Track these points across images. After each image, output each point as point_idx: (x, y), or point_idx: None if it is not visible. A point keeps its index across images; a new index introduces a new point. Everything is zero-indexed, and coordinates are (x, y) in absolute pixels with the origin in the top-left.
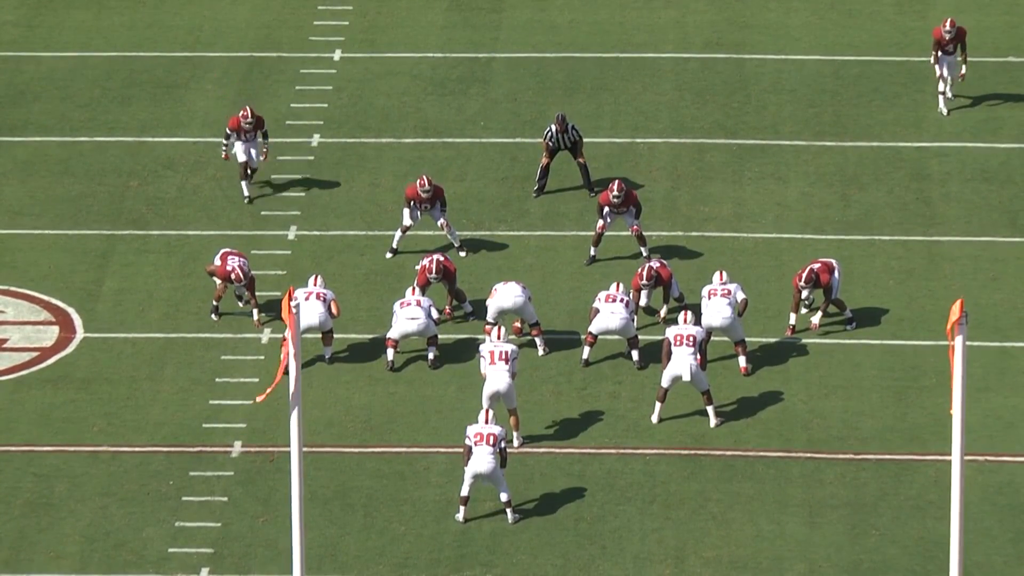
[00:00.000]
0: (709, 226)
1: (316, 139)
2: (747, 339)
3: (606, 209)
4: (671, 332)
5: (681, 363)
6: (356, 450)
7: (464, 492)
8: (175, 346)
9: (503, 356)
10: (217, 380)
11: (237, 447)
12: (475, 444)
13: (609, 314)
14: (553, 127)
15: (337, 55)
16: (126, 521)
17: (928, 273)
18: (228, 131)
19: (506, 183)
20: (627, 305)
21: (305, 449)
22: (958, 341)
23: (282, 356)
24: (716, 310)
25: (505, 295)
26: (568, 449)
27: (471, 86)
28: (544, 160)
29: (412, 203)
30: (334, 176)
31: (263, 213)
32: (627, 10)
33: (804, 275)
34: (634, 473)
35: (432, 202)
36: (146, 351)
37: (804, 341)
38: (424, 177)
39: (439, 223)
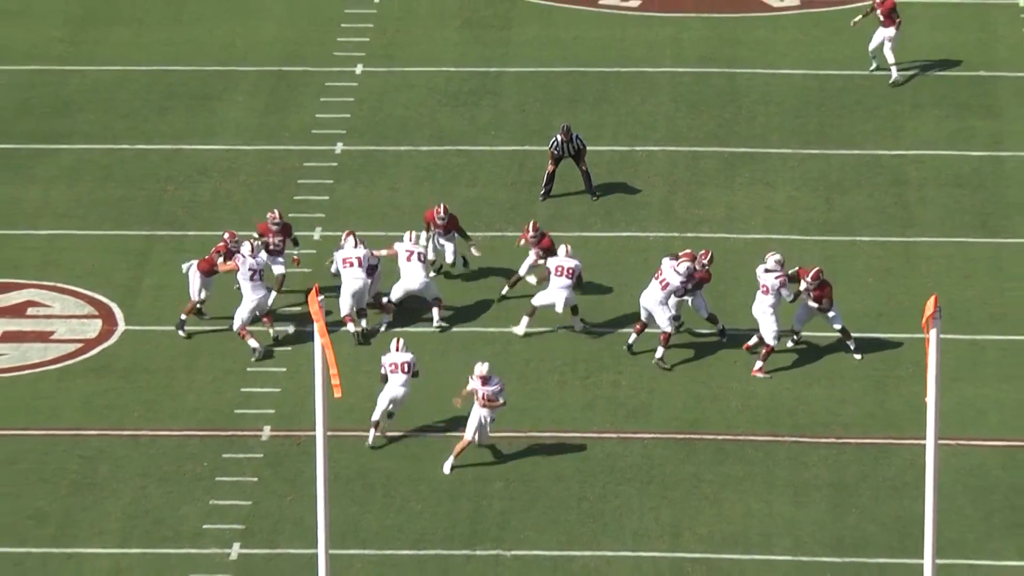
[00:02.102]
0: (703, 228)
1: (339, 147)
2: (735, 330)
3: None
4: (552, 263)
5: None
6: (376, 434)
7: (375, 417)
8: (209, 338)
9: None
10: (248, 369)
11: (266, 431)
12: (391, 372)
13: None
14: (558, 137)
15: (359, 69)
16: (164, 500)
17: (905, 271)
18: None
19: (515, 188)
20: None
21: (329, 433)
22: (933, 334)
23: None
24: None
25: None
26: (572, 433)
27: (482, 98)
28: (550, 167)
29: (429, 226)
30: (356, 181)
31: (291, 215)
32: (627, 27)
33: (812, 274)
34: (633, 456)
35: (447, 229)
36: (182, 342)
37: (790, 334)
38: (442, 205)
39: (449, 260)
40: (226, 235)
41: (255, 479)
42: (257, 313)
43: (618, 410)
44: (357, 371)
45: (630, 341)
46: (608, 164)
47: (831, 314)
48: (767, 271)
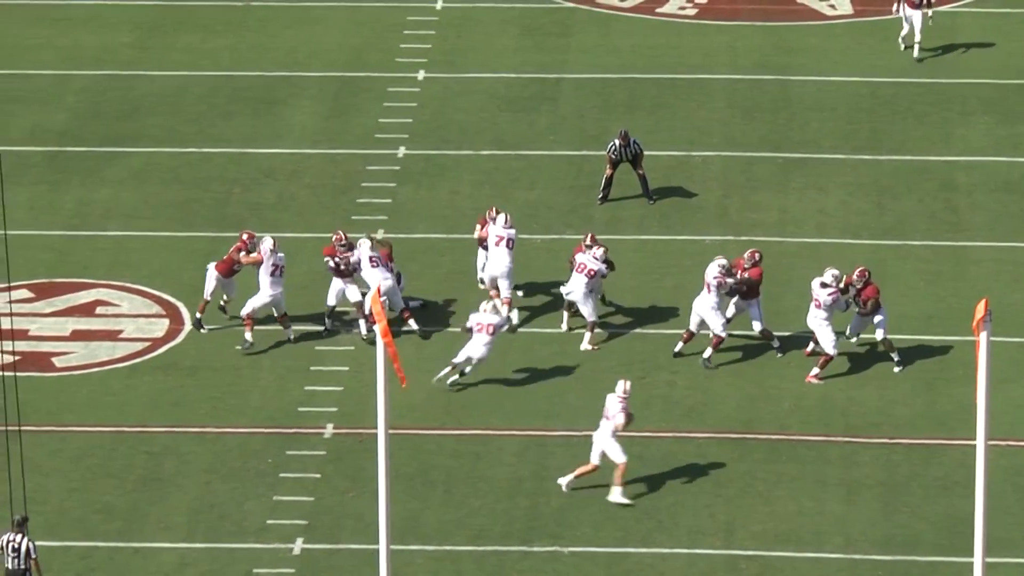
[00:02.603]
0: (757, 231)
1: (402, 151)
2: (790, 334)
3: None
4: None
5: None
6: (436, 432)
7: (455, 360)
8: (273, 337)
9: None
10: (311, 368)
11: (329, 429)
12: (476, 331)
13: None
14: (616, 141)
15: (421, 75)
16: (228, 495)
17: (955, 275)
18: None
19: (572, 192)
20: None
21: (390, 431)
22: (983, 336)
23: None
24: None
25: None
26: (628, 433)
27: (541, 103)
28: (608, 171)
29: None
30: (418, 184)
31: (353, 217)
32: (683, 35)
33: (858, 272)
34: (688, 454)
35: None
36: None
37: (842, 336)
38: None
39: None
40: (244, 235)
41: (318, 475)
42: (273, 311)
43: (673, 409)
44: (419, 369)
45: (677, 349)
46: (664, 169)
47: (877, 318)
48: (823, 285)
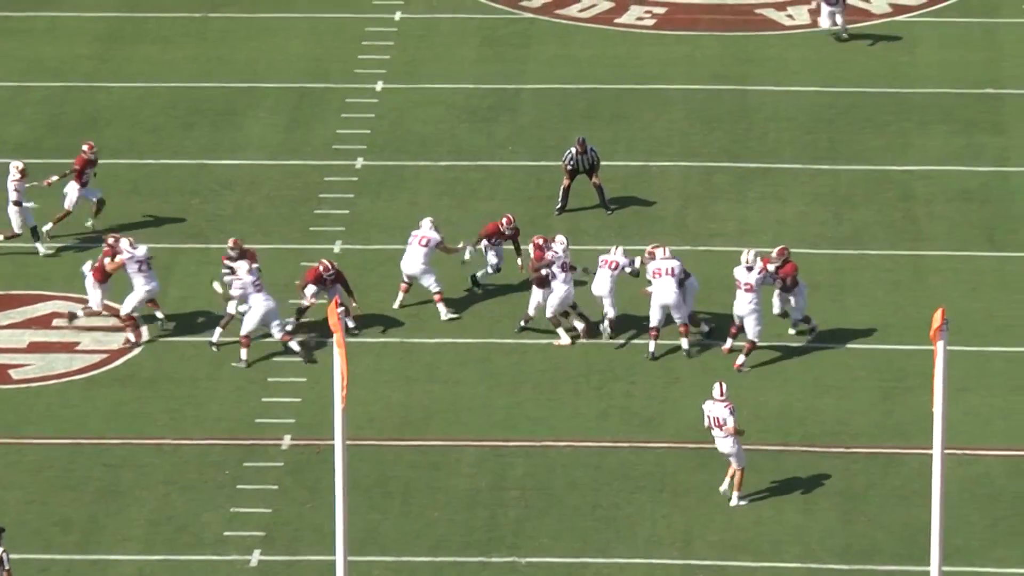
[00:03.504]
0: (715, 241)
1: (360, 162)
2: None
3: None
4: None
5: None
6: (395, 443)
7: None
8: (232, 349)
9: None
10: (269, 379)
11: (287, 440)
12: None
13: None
14: (573, 149)
15: (379, 86)
16: (187, 507)
17: (913, 284)
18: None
19: (532, 202)
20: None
21: (348, 442)
22: (940, 345)
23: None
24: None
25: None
26: (586, 443)
27: (501, 114)
28: (565, 182)
29: (490, 238)
30: (376, 195)
31: (311, 229)
32: (642, 45)
33: (778, 251)
34: (646, 464)
35: (508, 239)
36: (206, 353)
37: (800, 345)
38: (510, 216)
39: (494, 263)
40: (110, 239)
41: (276, 487)
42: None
43: (632, 420)
44: (376, 382)
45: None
46: (623, 179)
47: (792, 298)
48: (749, 268)
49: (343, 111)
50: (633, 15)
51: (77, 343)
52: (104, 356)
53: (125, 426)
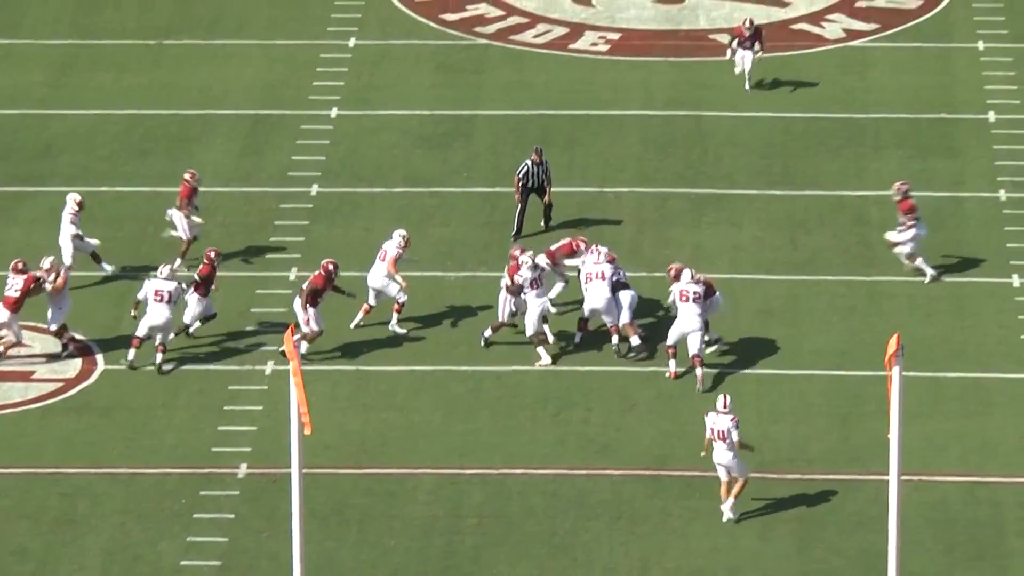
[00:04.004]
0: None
1: (315, 188)
2: (708, 370)
3: None
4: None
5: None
6: (351, 471)
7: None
8: (187, 377)
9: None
10: (225, 408)
11: (243, 469)
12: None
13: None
14: (529, 162)
15: (334, 112)
16: (143, 536)
17: (868, 310)
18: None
19: (487, 228)
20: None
21: (304, 470)
22: (895, 371)
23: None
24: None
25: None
26: (543, 470)
27: (455, 140)
28: (519, 204)
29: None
30: (331, 222)
31: (267, 256)
32: (596, 71)
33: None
34: (603, 491)
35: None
36: (161, 382)
37: (756, 372)
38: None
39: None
40: (47, 262)
41: (232, 516)
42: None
43: (588, 446)
44: (332, 409)
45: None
46: (578, 205)
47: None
48: (691, 281)
49: (298, 138)
50: (587, 41)
51: (32, 372)
52: (59, 385)
53: (81, 455)
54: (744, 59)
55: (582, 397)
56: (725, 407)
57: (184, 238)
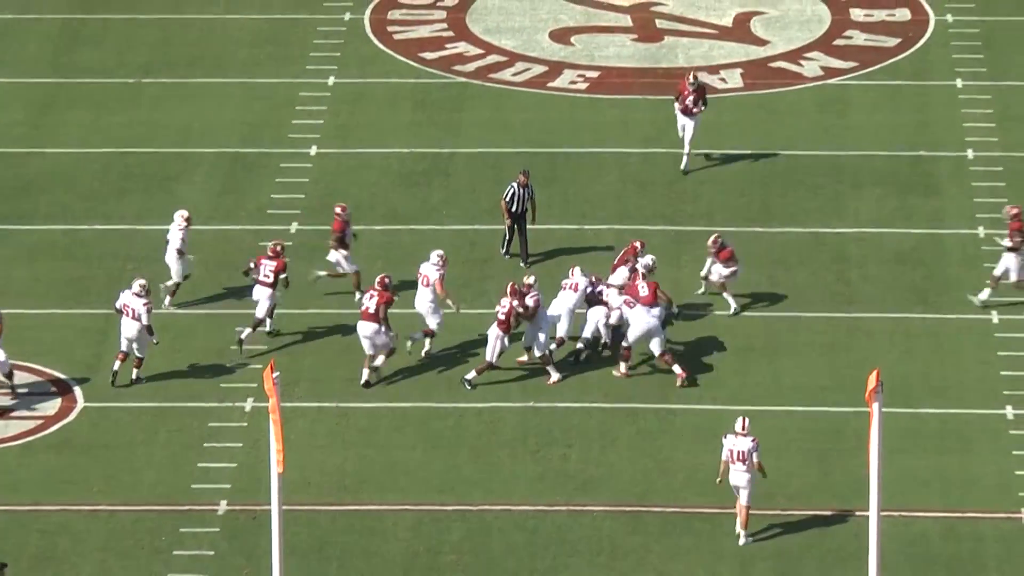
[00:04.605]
0: None
1: (295, 226)
2: (685, 407)
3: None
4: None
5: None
6: (330, 507)
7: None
8: (167, 414)
9: None
10: (205, 445)
11: (223, 505)
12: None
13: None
14: (515, 184)
15: (313, 150)
16: (122, 573)
17: (848, 346)
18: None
19: (466, 266)
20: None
21: (284, 507)
22: (875, 407)
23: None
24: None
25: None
26: (523, 507)
27: (434, 178)
28: (508, 222)
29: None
30: (311, 260)
31: (246, 297)
32: (575, 109)
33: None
34: (583, 528)
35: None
36: (141, 419)
37: (736, 408)
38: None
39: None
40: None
41: (212, 553)
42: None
43: (567, 483)
44: (312, 446)
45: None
46: (557, 242)
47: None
48: (645, 269)
49: (277, 176)
50: (566, 79)
51: (12, 409)
52: (39, 422)
53: (60, 492)
54: (687, 126)
55: (562, 434)
56: (744, 429)
57: (348, 271)
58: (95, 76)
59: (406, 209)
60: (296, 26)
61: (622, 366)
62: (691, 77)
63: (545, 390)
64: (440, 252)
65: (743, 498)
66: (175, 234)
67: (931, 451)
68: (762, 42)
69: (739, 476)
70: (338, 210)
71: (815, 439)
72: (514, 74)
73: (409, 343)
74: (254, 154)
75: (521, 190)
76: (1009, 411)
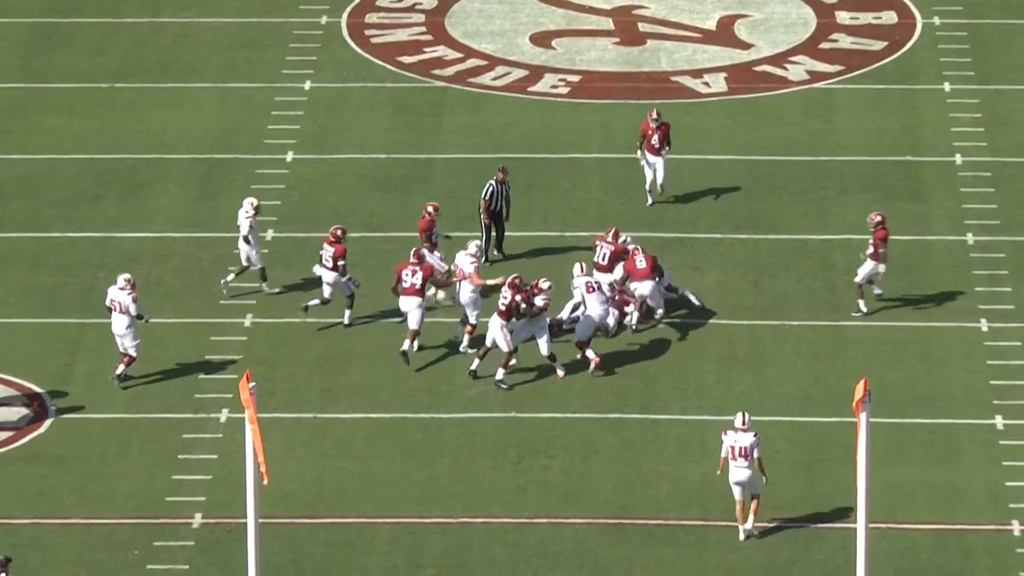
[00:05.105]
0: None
1: (271, 234)
2: (669, 417)
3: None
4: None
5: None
6: (308, 520)
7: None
8: (140, 425)
9: None
10: (179, 456)
11: (197, 519)
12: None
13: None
14: (493, 181)
15: (289, 156)
16: None
17: (834, 355)
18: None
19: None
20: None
21: (260, 520)
22: (862, 417)
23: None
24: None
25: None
26: (504, 519)
27: (413, 184)
28: (485, 220)
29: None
30: (287, 267)
31: (222, 302)
32: (556, 114)
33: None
34: (565, 540)
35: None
36: (114, 430)
37: (720, 418)
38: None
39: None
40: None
41: (186, 567)
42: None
43: (549, 495)
44: (289, 458)
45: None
46: (538, 248)
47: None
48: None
49: (253, 182)
50: (547, 83)
51: None
52: (10, 434)
53: (32, 505)
54: (656, 166)
55: (543, 444)
56: (744, 424)
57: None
58: (67, 81)
59: (384, 216)
60: (272, 30)
61: (590, 354)
62: (653, 114)
63: (527, 399)
64: (478, 243)
65: (739, 493)
66: (242, 222)
67: (919, 462)
68: (746, 45)
69: (740, 473)
70: (430, 208)
71: (801, 450)
72: (494, 78)
73: (455, 338)
74: (229, 160)
75: (500, 187)
76: (999, 421)
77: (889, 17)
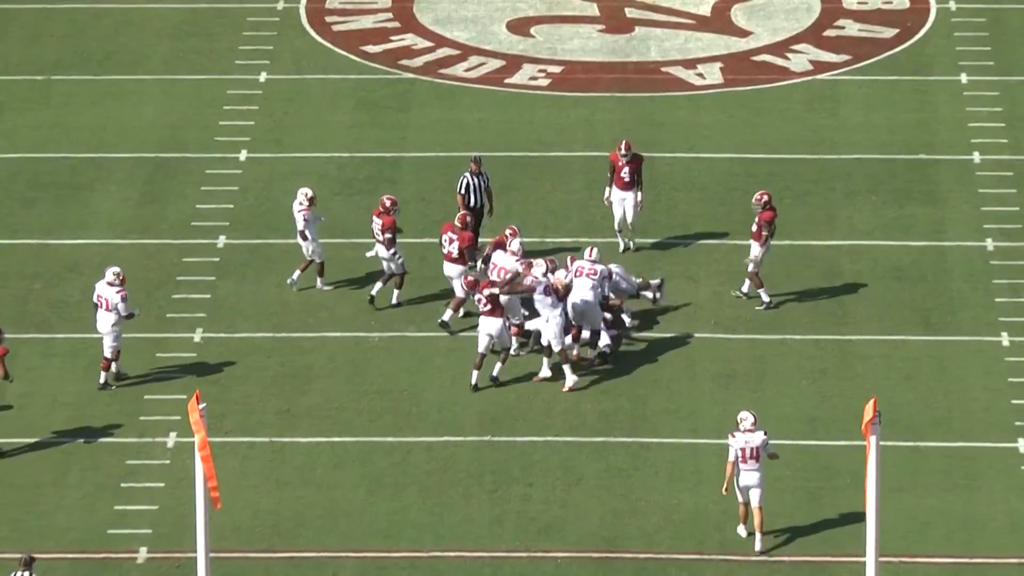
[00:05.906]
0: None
1: (222, 240)
2: (659, 440)
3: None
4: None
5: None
6: (263, 555)
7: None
8: (80, 451)
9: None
10: (122, 485)
11: (143, 553)
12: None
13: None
14: (467, 174)
15: (243, 155)
16: None
17: (841, 372)
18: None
19: (414, 284)
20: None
21: (211, 554)
22: (872, 441)
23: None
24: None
25: None
26: (479, 553)
27: (379, 186)
28: (469, 218)
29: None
30: (241, 277)
31: (168, 316)
32: (536, 108)
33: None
34: (545, 575)
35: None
36: (51, 456)
37: (716, 442)
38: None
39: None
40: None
41: None
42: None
43: (529, 526)
44: (243, 486)
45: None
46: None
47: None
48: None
49: (203, 184)
50: (526, 75)
51: None
52: None
53: None
54: (625, 203)
55: (522, 471)
56: (754, 424)
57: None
58: None
59: (348, 221)
60: (223, 16)
61: (575, 349)
62: (622, 148)
63: (503, 423)
64: (520, 240)
65: (755, 499)
66: (297, 215)
67: (935, 489)
68: (744, 33)
69: (751, 476)
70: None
71: (805, 476)
72: (467, 69)
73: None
74: (176, 160)
75: (475, 179)
76: (1021, 445)
77: (900, 2)
